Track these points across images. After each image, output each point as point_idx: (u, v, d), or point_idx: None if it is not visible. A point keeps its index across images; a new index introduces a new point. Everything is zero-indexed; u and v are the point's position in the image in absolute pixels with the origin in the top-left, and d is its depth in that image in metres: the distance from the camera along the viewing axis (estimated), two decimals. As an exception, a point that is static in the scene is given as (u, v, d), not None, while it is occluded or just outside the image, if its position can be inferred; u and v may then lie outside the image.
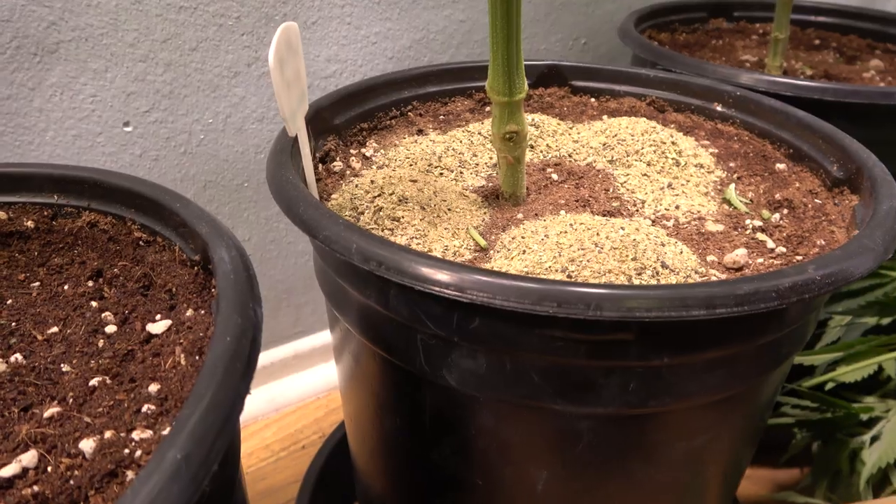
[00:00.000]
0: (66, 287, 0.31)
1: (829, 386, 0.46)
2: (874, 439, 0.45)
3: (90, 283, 0.31)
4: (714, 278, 0.32)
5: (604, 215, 0.36)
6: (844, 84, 0.46)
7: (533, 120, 0.46)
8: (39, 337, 0.28)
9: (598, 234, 0.32)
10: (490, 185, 0.40)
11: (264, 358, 0.69)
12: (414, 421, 0.34)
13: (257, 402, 0.69)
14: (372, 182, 0.38)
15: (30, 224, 0.33)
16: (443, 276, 0.25)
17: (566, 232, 0.33)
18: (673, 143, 0.42)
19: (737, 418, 0.33)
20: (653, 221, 0.36)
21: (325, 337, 0.72)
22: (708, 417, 0.31)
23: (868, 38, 0.68)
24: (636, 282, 0.29)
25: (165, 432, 0.22)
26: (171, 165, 0.56)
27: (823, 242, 0.34)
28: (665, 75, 0.48)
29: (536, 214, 0.37)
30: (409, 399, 0.33)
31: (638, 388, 0.28)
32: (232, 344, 0.21)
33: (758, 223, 0.36)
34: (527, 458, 0.31)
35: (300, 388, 0.71)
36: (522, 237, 0.34)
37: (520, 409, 0.30)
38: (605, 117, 0.48)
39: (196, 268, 0.29)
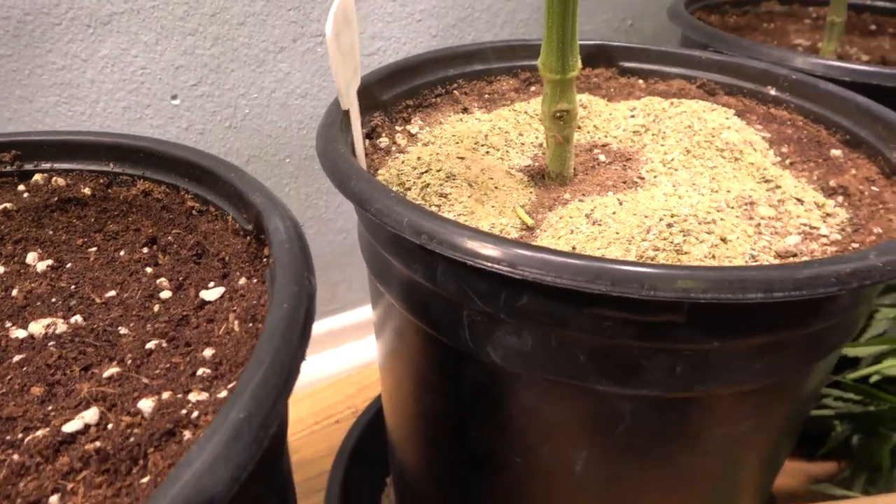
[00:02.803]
0: (121, 253, 0.31)
1: (874, 379, 0.45)
2: (920, 435, 0.44)
3: (145, 250, 0.31)
4: (766, 264, 0.31)
5: (660, 196, 0.35)
6: (905, 70, 0.44)
7: (581, 100, 0.46)
8: (98, 300, 0.28)
9: (647, 215, 0.31)
10: (536, 164, 0.40)
11: (301, 332, 0.70)
12: (455, 398, 0.34)
13: (293, 376, 0.70)
14: (419, 158, 0.38)
15: (87, 191, 0.34)
16: (494, 251, 0.25)
17: (615, 213, 0.32)
18: (725, 125, 0.41)
19: (780, 408, 0.33)
20: (706, 204, 0.35)
21: (359, 315, 0.73)
22: (751, 405, 0.31)
23: (928, 23, 0.66)
24: (691, 263, 0.29)
25: (222, 395, 0.23)
26: (217, 139, 0.57)
27: (881, 230, 0.33)
28: (717, 57, 0.47)
29: (584, 195, 0.36)
30: (451, 375, 0.33)
31: (684, 371, 0.28)
32: (289, 311, 0.22)
33: (813, 209, 0.35)
34: (566, 438, 0.31)
35: (334, 364, 0.72)
36: (571, 217, 0.33)
37: (562, 388, 0.30)
38: (657, 98, 0.48)
39: (249, 237, 0.29)
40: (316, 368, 0.72)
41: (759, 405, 0.32)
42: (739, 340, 0.27)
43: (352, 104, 0.32)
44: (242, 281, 0.28)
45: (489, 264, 0.25)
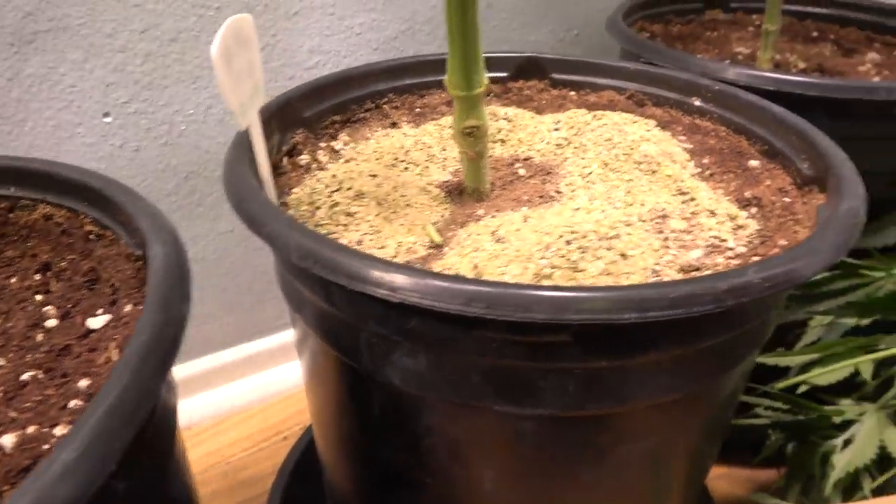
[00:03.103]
0: (13, 280, 0.31)
1: (802, 388, 0.45)
2: (847, 443, 0.44)
3: (37, 277, 0.31)
4: (667, 279, 0.31)
5: (568, 211, 0.35)
6: (827, 79, 0.45)
7: (507, 114, 0.46)
8: (-19, 330, 0.28)
9: (548, 232, 0.31)
10: (455, 179, 0.40)
11: (250, 348, 0.69)
12: (366, 419, 0.34)
13: (242, 393, 0.70)
14: (333, 176, 0.38)
15: (-13, 216, 0.33)
16: (375, 275, 0.25)
17: (520, 229, 0.32)
18: (645, 138, 0.41)
19: (690, 421, 0.33)
20: (615, 218, 0.35)
21: (312, 328, 0.73)
22: (656, 420, 0.31)
23: (867, 30, 0.66)
24: (584, 280, 0.29)
25: (85, 429, 0.22)
26: (152, 156, 0.57)
27: (785, 242, 0.33)
28: (645, 69, 0.47)
29: (497, 210, 0.36)
30: (360, 397, 0.33)
31: (577, 390, 0.27)
32: (147, 342, 0.21)
33: (724, 221, 0.35)
34: (473, 457, 0.31)
35: (285, 379, 0.71)
36: (478, 234, 0.33)
37: (461, 409, 0.29)
38: (582, 110, 0.48)
39: (139, 262, 0.29)
40: (268, 384, 0.71)
41: (664, 420, 0.32)
42: (630, 358, 0.27)
43: (252, 123, 0.32)
44: (129, 308, 0.28)
45: (370, 288, 0.25)
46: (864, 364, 0.44)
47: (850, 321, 0.47)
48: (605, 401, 0.28)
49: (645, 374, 0.28)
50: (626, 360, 0.27)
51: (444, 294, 0.24)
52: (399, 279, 0.24)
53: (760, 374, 0.50)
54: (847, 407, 0.45)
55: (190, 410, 0.68)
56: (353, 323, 0.29)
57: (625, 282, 0.30)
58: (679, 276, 0.31)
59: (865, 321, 0.46)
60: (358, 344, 0.30)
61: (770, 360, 0.49)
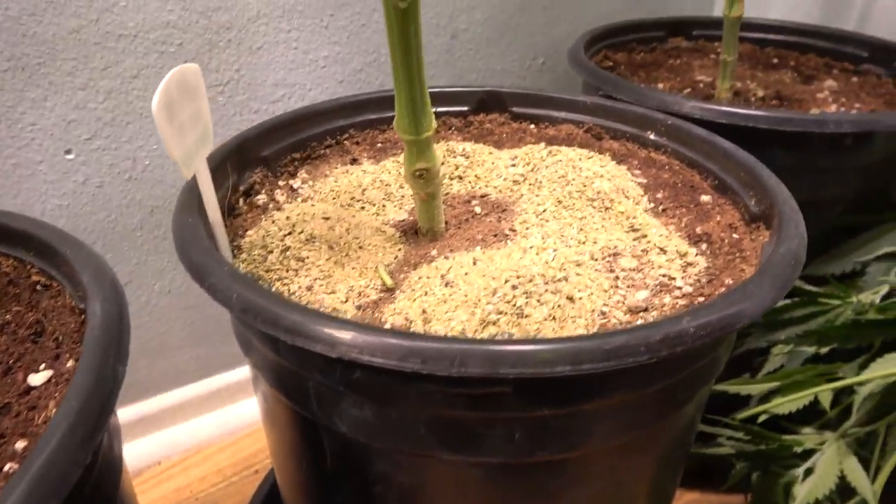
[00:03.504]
0: (-44, 334, 0.30)
1: (763, 418, 0.45)
2: (808, 472, 0.44)
3: (-19, 330, 0.30)
4: (615, 320, 0.31)
5: (517, 253, 0.35)
6: (778, 111, 0.46)
7: (465, 150, 0.46)
8: (-80, 388, 0.27)
9: (495, 276, 0.31)
10: (412, 218, 0.40)
11: (219, 381, 0.69)
12: (318, 463, 0.33)
13: (212, 427, 0.69)
14: (287, 218, 0.38)
15: (-67, 266, 0.33)
16: (313, 330, 0.25)
17: (469, 273, 0.32)
18: (598, 174, 0.42)
19: (643, 461, 0.33)
20: (566, 258, 0.35)
21: (283, 358, 0.72)
22: (609, 462, 0.31)
23: (826, 56, 0.68)
24: (529, 326, 0.29)
25: (16, 495, 0.22)
26: (116, 192, 0.56)
27: (731, 282, 0.33)
28: (602, 102, 0.48)
29: (451, 250, 0.36)
30: (311, 442, 0.33)
31: (523, 438, 0.27)
32: (77, 407, 0.21)
33: (675, 259, 0.36)
34: (425, 504, 0.31)
35: (255, 411, 0.70)
36: (428, 277, 0.33)
37: (411, 458, 0.29)
38: (542, 144, 0.48)
39: (83, 315, 0.29)
40: (237, 417, 0.70)
41: (616, 462, 0.32)
42: (575, 406, 0.27)
43: (199, 171, 0.32)
44: (70, 363, 0.27)
45: (309, 344, 0.25)
46: (824, 393, 0.44)
47: (810, 349, 0.47)
48: (553, 448, 0.28)
49: (592, 420, 0.28)
50: (570, 408, 0.27)
51: (381, 349, 0.24)
52: (337, 334, 0.24)
53: (724, 401, 0.50)
54: (808, 436, 0.46)
55: (159, 445, 0.67)
56: (300, 373, 0.29)
57: (570, 326, 0.30)
58: (626, 318, 0.31)
59: (824, 349, 0.46)
60: (306, 392, 0.30)
61: (732, 388, 0.49)
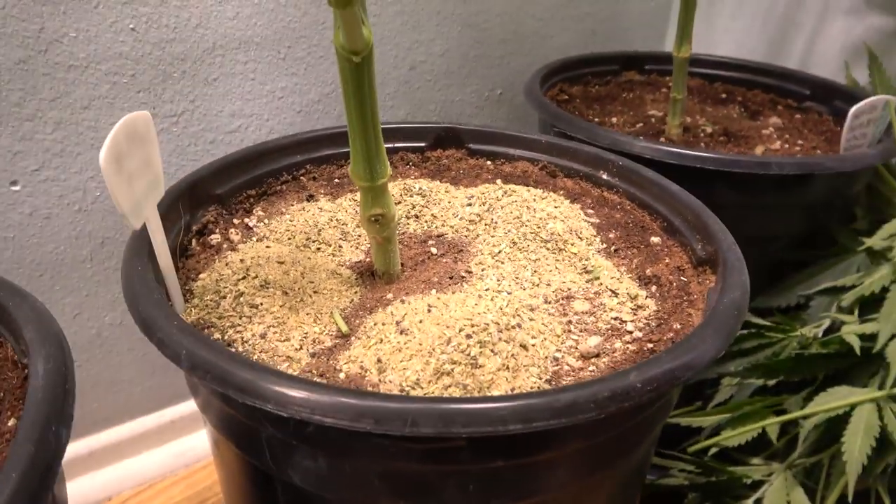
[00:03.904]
0: None
1: (713, 451, 0.46)
2: (757, 503, 0.45)
3: (-84, 385, 0.29)
4: (567, 367, 0.32)
5: (472, 299, 0.36)
6: (727, 153, 0.47)
7: (421, 188, 0.46)
8: None
9: (450, 325, 0.32)
10: (368, 259, 0.40)
11: (171, 413, 0.67)
12: (271, 513, 0.33)
13: (165, 458, 0.67)
14: (241, 261, 0.37)
15: None
16: (264, 389, 0.25)
17: (423, 321, 0.33)
18: (552, 215, 0.42)
19: (600, 498, 0.33)
20: (520, 302, 0.36)
21: (239, 388, 0.71)
22: (563, 507, 0.31)
23: (771, 93, 0.70)
24: (483, 376, 0.29)
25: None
26: (65, 223, 0.55)
27: (679, 326, 0.34)
28: (556, 141, 0.49)
29: (407, 293, 0.37)
30: (263, 492, 0.32)
31: (477, 489, 0.28)
32: (14, 484, 0.20)
33: (626, 301, 0.37)
34: (379, 554, 0.31)
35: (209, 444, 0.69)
36: (383, 324, 0.33)
37: (365, 509, 0.29)
38: (498, 181, 0.49)
39: (26, 370, 0.28)
40: (192, 448, 0.69)
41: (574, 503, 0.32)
42: (526, 458, 0.28)
43: (149, 219, 0.31)
44: (11, 422, 0.27)
45: (259, 403, 0.25)
46: (771, 426, 0.45)
47: (758, 381, 0.49)
48: (507, 497, 0.28)
49: (545, 468, 0.29)
50: (524, 459, 0.28)
51: (333, 410, 0.24)
52: (288, 394, 0.24)
53: (677, 431, 0.51)
54: (756, 467, 0.47)
55: (110, 480, 0.65)
56: (252, 424, 0.29)
57: (523, 375, 0.30)
58: (578, 364, 0.32)
59: (771, 381, 0.48)
60: (258, 444, 0.30)
61: (684, 420, 0.50)
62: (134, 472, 0.66)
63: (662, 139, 0.61)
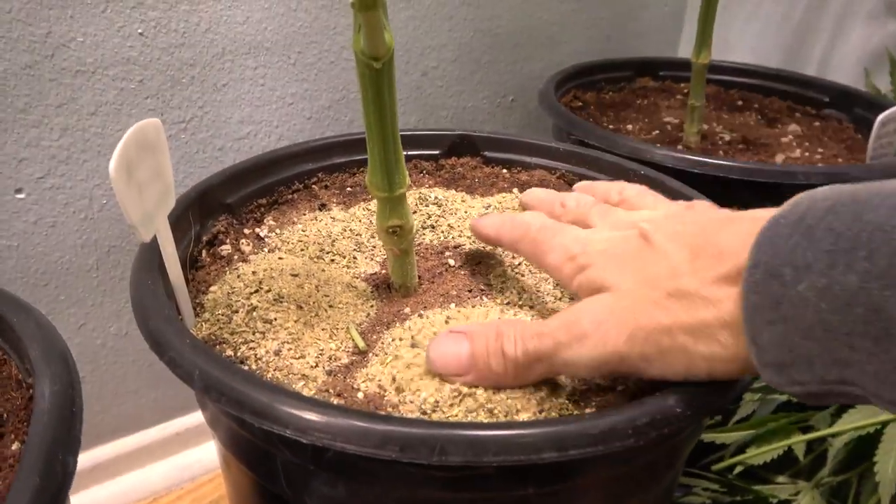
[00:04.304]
0: None
1: (738, 469, 0.45)
2: (783, 524, 0.44)
3: (-85, 405, 0.28)
4: (594, 385, 0.30)
5: (494, 313, 0.34)
6: (750, 161, 0.46)
7: (437, 198, 0.45)
8: None
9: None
10: (384, 271, 0.39)
11: (177, 425, 0.66)
12: (285, 538, 0.32)
13: (171, 471, 0.66)
14: (254, 273, 0.36)
15: None
16: (283, 413, 0.23)
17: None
18: (574, 226, 0.41)
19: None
20: (543, 316, 0.34)
21: (246, 399, 0.70)
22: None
23: (788, 100, 0.69)
24: (510, 400, 0.28)
25: None
26: (71, 231, 0.54)
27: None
28: (575, 149, 0.48)
29: (425, 307, 0.35)
30: (277, 517, 0.31)
31: (505, 517, 0.26)
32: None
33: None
34: (398, 583, 0.29)
35: (216, 456, 0.68)
36: (400, 339, 0.32)
37: (385, 537, 0.28)
38: (515, 190, 0.48)
39: (31, 391, 0.27)
40: (199, 461, 0.68)
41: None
42: (561, 484, 0.26)
43: (159, 231, 0.30)
44: (15, 446, 0.25)
45: (278, 428, 0.23)
46: (798, 444, 0.44)
47: (781, 396, 0.47)
48: (533, 526, 0.27)
49: (576, 495, 0.27)
50: (555, 486, 0.26)
51: (356, 436, 0.22)
52: (309, 419, 0.23)
53: (698, 447, 0.50)
54: (782, 486, 0.45)
55: (114, 494, 0.64)
56: (267, 448, 0.28)
57: (551, 396, 0.29)
58: (608, 383, 0.31)
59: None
60: (273, 467, 0.28)
61: (707, 436, 0.49)
62: (138, 486, 0.65)
63: (680, 147, 0.59)
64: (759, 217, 0.25)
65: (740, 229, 0.25)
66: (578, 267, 0.30)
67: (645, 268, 0.27)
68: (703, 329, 0.24)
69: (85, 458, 0.62)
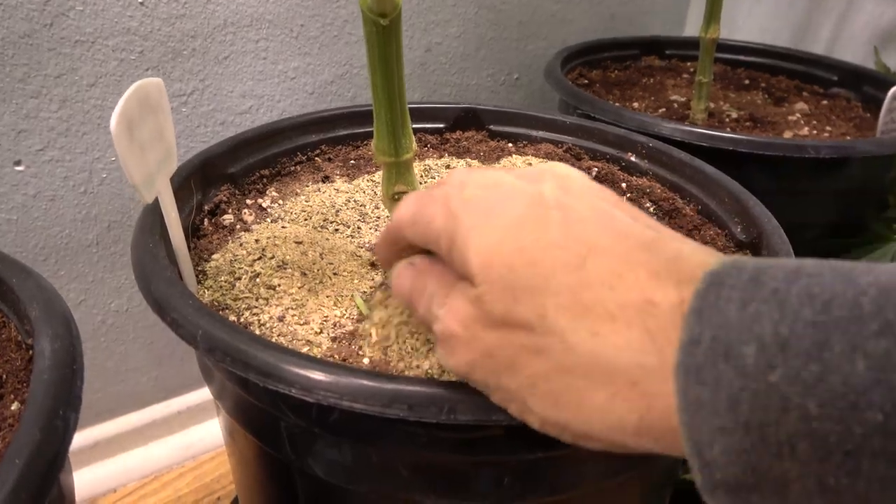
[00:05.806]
0: None
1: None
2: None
3: (-86, 367, 0.28)
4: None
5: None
6: (759, 136, 0.45)
7: (448, 165, 0.44)
8: None
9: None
10: (388, 241, 0.38)
11: (178, 403, 0.66)
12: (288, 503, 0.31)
13: (172, 450, 0.66)
14: (256, 241, 0.36)
15: None
16: (288, 372, 0.23)
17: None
18: (581, 197, 0.40)
19: (633, 497, 0.32)
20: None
21: (247, 378, 0.69)
22: (602, 502, 0.30)
23: (796, 79, 0.68)
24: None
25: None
26: (70, 205, 0.53)
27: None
28: (581, 122, 0.47)
29: (431, 277, 0.35)
30: (282, 484, 0.31)
31: (513, 482, 0.26)
32: (21, 470, 0.19)
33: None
34: (404, 550, 0.29)
35: (218, 434, 0.67)
36: (399, 306, 0.31)
37: (392, 502, 0.28)
38: (519, 160, 0.47)
39: (30, 351, 0.26)
40: (201, 440, 0.67)
41: (608, 500, 0.30)
42: (569, 448, 0.26)
43: (161, 193, 0.30)
44: (15, 406, 0.25)
45: (283, 387, 0.23)
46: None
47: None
48: (543, 490, 0.27)
49: (585, 461, 0.27)
50: (564, 450, 0.26)
51: (363, 395, 0.22)
52: (314, 377, 0.22)
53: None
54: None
55: (115, 472, 0.64)
56: (272, 412, 0.27)
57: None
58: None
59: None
60: (277, 433, 0.28)
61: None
62: (140, 464, 0.65)
63: (687, 123, 0.58)
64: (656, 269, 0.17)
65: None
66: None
67: None
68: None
69: (85, 436, 0.62)
